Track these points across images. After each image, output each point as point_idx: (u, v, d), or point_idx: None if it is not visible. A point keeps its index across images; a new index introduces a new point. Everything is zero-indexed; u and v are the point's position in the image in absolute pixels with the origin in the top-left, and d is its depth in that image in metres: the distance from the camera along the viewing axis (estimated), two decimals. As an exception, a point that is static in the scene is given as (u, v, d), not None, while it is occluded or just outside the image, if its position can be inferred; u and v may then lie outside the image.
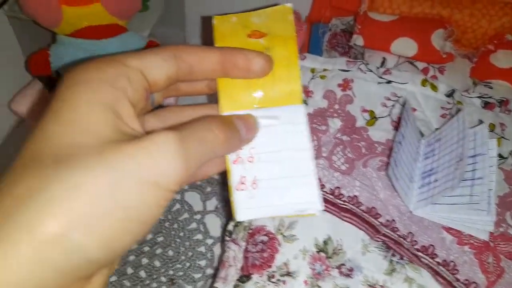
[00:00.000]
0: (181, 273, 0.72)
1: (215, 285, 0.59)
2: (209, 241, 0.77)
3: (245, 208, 0.26)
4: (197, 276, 0.73)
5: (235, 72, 0.25)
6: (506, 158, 0.73)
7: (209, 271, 0.74)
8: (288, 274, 0.55)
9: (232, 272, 0.58)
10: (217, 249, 0.76)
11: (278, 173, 0.26)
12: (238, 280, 0.57)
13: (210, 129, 0.22)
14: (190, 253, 0.75)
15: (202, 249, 0.75)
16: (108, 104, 0.20)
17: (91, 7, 0.68)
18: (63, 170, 0.17)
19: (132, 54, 0.23)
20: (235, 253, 0.59)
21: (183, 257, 0.74)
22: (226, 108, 0.26)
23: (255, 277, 0.56)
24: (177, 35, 1.13)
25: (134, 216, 0.19)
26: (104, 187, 0.18)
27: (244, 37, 0.27)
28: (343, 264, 0.56)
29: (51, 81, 0.76)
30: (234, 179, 0.26)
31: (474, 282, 0.57)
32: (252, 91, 0.26)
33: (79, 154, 0.18)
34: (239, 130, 0.25)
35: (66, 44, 0.71)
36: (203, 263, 0.75)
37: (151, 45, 0.75)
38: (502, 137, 0.75)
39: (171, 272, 0.72)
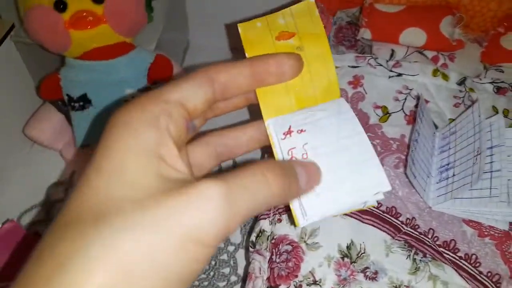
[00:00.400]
0: (206, 283, 0.74)
1: (244, 294, 0.61)
2: (231, 248, 0.79)
3: (312, 209, 0.24)
4: (221, 284, 0.75)
5: (269, 80, 0.25)
6: (522, 144, 0.73)
7: (233, 278, 0.76)
8: (315, 282, 0.57)
9: (259, 283, 0.59)
10: (239, 256, 0.78)
11: (339, 163, 0.25)
12: (267, 288, 0.59)
13: (263, 180, 0.21)
14: (213, 262, 0.76)
15: (225, 256, 0.77)
16: (150, 149, 0.20)
17: (99, 28, 0.68)
18: (102, 230, 0.17)
19: (170, 87, 0.22)
20: (260, 264, 0.61)
21: (206, 267, 0.76)
22: (269, 115, 0.26)
23: (282, 287, 0.57)
24: (181, 40, 1.13)
25: (174, 276, 0.18)
26: (144, 248, 0.17)
27: (273, 40, 0.27)
28: (367, 268, 0.57)
29: (64, 104, 0.77)
30: None
31: (497, 274, 0.58)
32: (291, 93, 0.26)
33: (119, 212, 0.18)
34: (299, 179, 0.24)
35: (76, 67, 0.72)
36: (226, 270, 0.77)
37: (158, 60, 0.76)
38: (517, 122, 0.75)
39: (196, 283, 0.74)
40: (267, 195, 0.21)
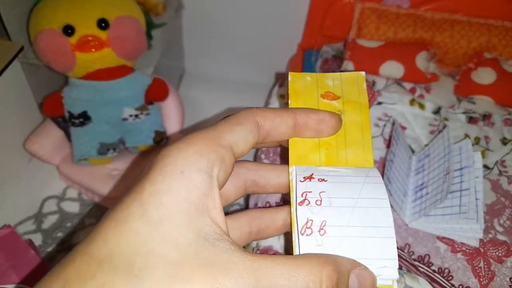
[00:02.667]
0: None
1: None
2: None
3: None
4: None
5: (306, 133, 0.26)
6: (491, 168, 0.78)
7: None
8: None
9: None
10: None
11: (351, 220, 0.23)
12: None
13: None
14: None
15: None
16: (199, 201, 0.20)
17: (102, 52, 0.74)
18: (129, 287, 0.18)
19: (225, 128, 0.23)
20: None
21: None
22: (296, 164, 0.26)
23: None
24: (177, 67, 1.20)
25: None
26: None
27: (317, 96, 0.27)
28: (346, 277, 0.61)
29: (64, 121, 0.81)
30: (299, 221, 0.23)
31: (468, 287, 0.62)
32: (322, 149, 0.26)
33: (151, 274, 0.18)
34: None
35: (79, 86, 0.77)
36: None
37: (156, 82, 0.81)
38: (487, 149, 0.81)
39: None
40: None
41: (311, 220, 0.23)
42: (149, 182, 0.20)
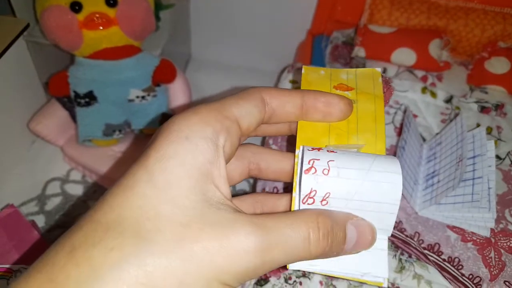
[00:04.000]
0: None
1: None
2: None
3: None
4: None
5: (314, 115, 0.25)
6: (503, 159, 0.77)
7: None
8: (304, 275, 0.58)
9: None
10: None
11: (356, 194, 0.22)
12: (256, 283, 0.60)
13: (305, 240, 0.20)
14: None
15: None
16: (204, 167, 0.20)
17: (110, 30, 0.72)
18: (140, 253, 0.18)
19: (231, 102, 0.22)
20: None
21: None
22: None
23: (272, 279, 0.59)
24: (184, 52, 1.18)
25: None
26: (174, 280, 0.18)
27: (330, 87, 0.27)
28: (355, 264, 0.60)
29: (69, 101, 0.80)
30: (303, 190, 0.23)
31: (478, 276, 0.61)
32: (332, 134, 0.25)
33: (159, 237, 0.18)
34: (347, 240, 0.22)
35: (85, 65, 0.75)
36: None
37: (164, 64, 0.80)
38: (499, 139, 0.79)
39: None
40: (303, 256, 0.20)
41: (315, 190, 0.22)
42: (154, 149, 0.20)
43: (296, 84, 0.83)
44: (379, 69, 0.27)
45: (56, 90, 0.78)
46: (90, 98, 0.76)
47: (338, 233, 0.21)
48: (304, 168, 0.23)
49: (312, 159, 0.23)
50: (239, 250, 0.18)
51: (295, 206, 0.24)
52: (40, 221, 0.82)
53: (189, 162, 0.20)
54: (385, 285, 0.22)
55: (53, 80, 0.78)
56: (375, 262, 0.23)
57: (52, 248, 0.19)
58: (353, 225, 0.22)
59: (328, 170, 0.23)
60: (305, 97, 0.24)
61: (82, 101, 0.76)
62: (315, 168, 0.23)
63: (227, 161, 0.22)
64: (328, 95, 0.25)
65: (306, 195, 0.22)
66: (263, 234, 0.19)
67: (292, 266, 0.22)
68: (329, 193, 0.22)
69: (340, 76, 0.27)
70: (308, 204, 0.22)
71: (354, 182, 0.23)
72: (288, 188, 0.72)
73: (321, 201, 0.22)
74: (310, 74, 0.27)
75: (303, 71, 0.27)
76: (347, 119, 0.26)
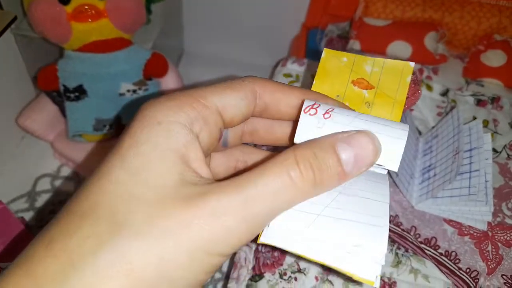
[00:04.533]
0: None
1: (229, 285, 0.61)
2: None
3: (279, 231, 0.20)
4: (207, 279, 0.75)
5: None
6: (499, 152, 0.76)
7: (217, 275, 0.76)
8: (299, 270, 0.57)
9: (244, 273, 0.60)
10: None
11: (359, 121, 0.21)
12: (250, 279, 0.59)
13: (288, 183, 0.18)
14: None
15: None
16: (178, 151, 0.19)
17: (99, 22, 0.71)
18: (116, 238, 0.17)
19: (212, 90, 0.21)
20: (246, 254, 0.62)
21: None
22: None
23: (267, 275, 0.58)
24: (176, 47, 1.16)
25: (181, 286, 0.18)
26: (153, 259, 0.17)
27: (347, 81, 0.24)
28: (351, 258, 0.59)
29: (59, 96, 0.78)
30: (304, 105, 0.22)
31: (475, 270, 0.60)
32: None
33: (134, 219, 0.17)
34: (343, 161, 0.20)
35: (74, 59, 0.74)
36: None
37: (155, 57, 0.78)
38: (495, 132, 0.79)
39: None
40: (292, 196, 0.19)
41: (318, 105, 0.21)
42: (128, 135, 0.20)
43: (290, 78, 0.82)
44: (412, 64, 0.23)
45: (45, 84, 0.76)
46: (79, 92, 0.74)
47: (326, 158, 0.19)
48: (304, 108, 0.21)
49: (313, 105, 0.22)
50: (214, 215, 0.17)
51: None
52: (30, 218, 0.81)
53: (162, 146, 0.19)
54: (377, 285, 0.19)
55: (41, 74, 0.76)
56: (372, 233, 0.19)
57: (31, 243, 0.18)
58: (345, 143, 0.20)
59: (330, 115, 0.21)
60: (304, 97, 0.22)
61: (72, 95, 0.74)
62: (318, 111, 0.21)
63: (206, 152, 0.21)
64: (327, 98, 0.23)
65: (309, 107, 0.21)
66: (237, 192, 0.18)
67: (263, 238, 0.19)
68: (333, 108, 0.21)
69: (363, 67, 0.24)
70: (310, 114, 0.21)
71: (356, 115, 0.21)
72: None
73: (324, 114, 0.21)
74: (330, 60, 0.25)
75: (323, 54, 0.24)
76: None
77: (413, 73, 0.24)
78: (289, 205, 0.19)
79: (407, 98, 0.23)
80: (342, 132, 0.20)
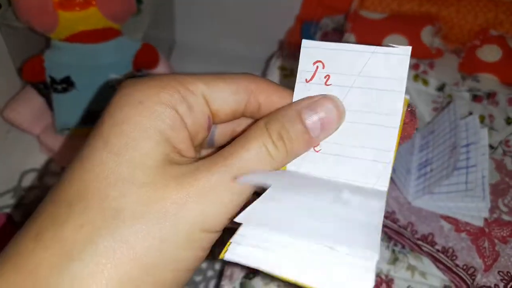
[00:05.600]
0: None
1: (222, 283, 0.59)
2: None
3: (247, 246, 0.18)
4: (198, 278, 0.74)
5: None
6: (495, 148, 0.75)
7: (210, 272, 0.75)
8: (295, 267, 0.56)
9: (237, 270, 0.59)
10: (217, 251, 0.77)
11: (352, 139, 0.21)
12: (244, 277, 0.58)
13: (265, 154, 0.19)
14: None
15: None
16: (163, 131, 0.18)
17: (87, 11, 0.68)
18: (110, 221, 0.17)
19: (200, 77, 0.21)
20: (240, 250, 0.60)
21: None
22: None
23: (261, 273, 0.56)
24: (167, 38, 1.13)
25: (183, 266, 0.18)
26: (151, 241, 0.17)
27: None
28: (347, 256, 0.57)
29: (46, 87, 0.75)
30: (295, 95, 0.22)
31: (472, 267, 0.59)
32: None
33: (126, 201, 0.17)
34: (309, 128, 0.20)
35: (61, 49, 0.71)
36: (204, 265, 0.75)
37: (145, 48, 0.76)
38: (491, 128, 0.78)
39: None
40: (270, 166, 0.19)
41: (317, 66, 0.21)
42: (108, 115, 0.19)
43: (285, 71, 0.80)
44: (408, 97, 0.22)
45: (30, 76, 0.73)
46: (67, 83, 0.71)
47: (294, 127, 0.20)
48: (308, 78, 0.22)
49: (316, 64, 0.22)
50: (208, 191, 0.18)
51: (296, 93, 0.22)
52: (17, 215, 0.78)
53: (145, 125, 0.18)
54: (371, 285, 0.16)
55: (27, 65, 0.73)
56: (375, 173, 0.20)
57: (17, 235, 0.18)
58: (310, 110, 0.20)
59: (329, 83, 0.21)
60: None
61: (59, 87, 0.71)
62: (317, 77, 0.21)
63: (195, 140, 0.21)
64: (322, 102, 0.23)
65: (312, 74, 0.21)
66: (224, 167, 0.18)
67: (228, 255, 0.17)
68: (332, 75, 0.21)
69: None
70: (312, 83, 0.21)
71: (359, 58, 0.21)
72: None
73: (325, 77, 0.21)
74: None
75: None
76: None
77: (409, 105, 0.22)
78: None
79: (406, 124, 0.22)
80: (308, 98, 0.21)
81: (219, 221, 0.18)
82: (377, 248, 0.16)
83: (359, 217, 0.18)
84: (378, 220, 0.18)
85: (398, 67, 0.21)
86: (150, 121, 0.18)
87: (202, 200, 0.18)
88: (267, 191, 0.19)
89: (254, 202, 0.18)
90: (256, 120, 0.22)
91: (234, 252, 0.18)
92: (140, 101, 0.19)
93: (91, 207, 0.17)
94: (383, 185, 0.21)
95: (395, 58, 0.21)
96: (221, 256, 0.18)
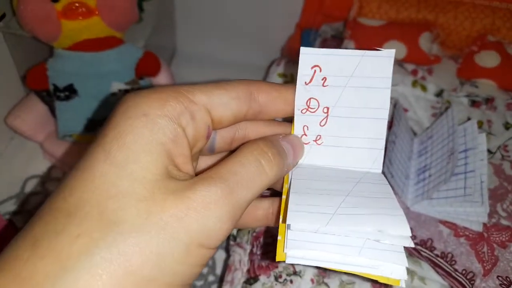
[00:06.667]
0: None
1: (223, 288, 0.60)
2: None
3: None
4: (199, 283, 0.74)
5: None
6: (494, 153, 0.76)
7: (211, 278, 0.75)
8: (295, 273, 0.56)
9: (238, 276, 0.59)
10: (218, 256, 0.77)
11: (347, 131, 0.25)
12: (245, 282, 0.58)
13: (260, 169, 0.21)
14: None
15: (205, 255, 0.76)
16: (164, 144, 0.19)
17: (90, 20, 0.69)
18: (108, 232, 0.17)
19: (200, 87, 0.21)
20: (240, 257, 0.61)
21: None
22: None
23: (262, 278, 0.57)
24: (168, 46, 1.15)
25: (179, 281, 0.18)
26: (148, 253, 0.17)
27: None
28: (347, 261, 0.58)
29: (49, 95, 0.76)
30: (296, 130, 0.25)
31: (471, 272, 0.60)
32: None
33: (125, 213, 0.17)
34: (287, 154, 0.23)
35: (64, 58, 0.72)
36: (204, 270, 0.75)
37: (147, 56, 0.77)
38: (490, 133, 0.78)
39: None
40: (264, 181, 0.21)
41: (306, 126, 0.25)
42: (111, 126, 0.19)
43: (285, 78, 0.81)
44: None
45: (34, 83, 0.74)
46: (70, 91, 0.72)
47: (281, 149, 0.23)
48: (300, 109, 0.25)
49: (309, 99, 0.25)
50: (206, 206, 0.18)
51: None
52: (19, 221, 0.79)
53: (147, 138, 0.19)
54: (403, 284, 0.20)
55: (31, 73, 0.74)
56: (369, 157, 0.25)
57: (13, 242, 0.18)
58: (284, 140, 0.24)
59: (326, 121, 0.25)
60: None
61: (62, 94, 0.72)
62: (307, 108, 0.25)
63: (194, 149, 0.21)
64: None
65: (303, 134, 0.25)
66: (221, 182, 0.19)
67: (290, 259, 0.20)
68: (324, 130, 0.25)
69: None
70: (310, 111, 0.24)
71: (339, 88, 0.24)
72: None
73: (316, 140, 0.25)
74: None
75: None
76: None
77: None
78: (261, 189, 0.21)
79: None
80: (279, 134, 0.25)
81: (217, 237, 0.18)
82: (407, 229, 0.20)
83: (377, 195, 0.23)
84: (390, 192, 0.23)
85: (384, 68, 0.24)
86: (152, 134, 0.19)
87: (201, 214, 0.18)
88: (293, 188, 0.23)
89: (290, 205, 0.21)
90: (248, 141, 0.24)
91: (292, 255, 0.20)
92: (145, 113, 0.19)
93: (90, 218, 0.17)
94: (378, 167, 0.25)
95: (381, 60, 0.24)
96: (277, 259, 0.20)
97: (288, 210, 0.21)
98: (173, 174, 0.19)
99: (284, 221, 0.21)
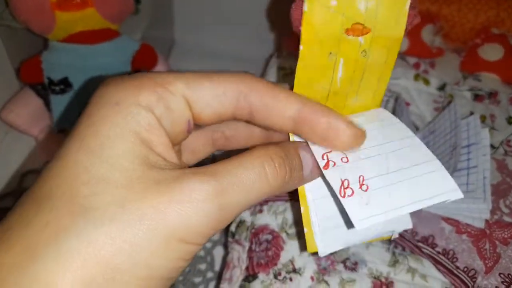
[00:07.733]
0: (180, 278, 0.72)
1: (221, 285, 0.59)
2: (208, 245, 0.77)
3: (361, 219, 0.19)
4: (197, 280, 0.73)
5: (309, 135, 0.22)
6: (497, 148, 0.75)
7: (210, 274, 0.75)
8: (294, 271, 0.56)
9: (237, 273, 0.58)
10: (216, 252, 0.76)
11: (390, 167, 0.21)
12: (244, 280, 0.57)
13: (261, 175, 0.19)
14: (190, 257, 0.75)
15: (202, 252, 0.76)
16: (138, 132, 0.18)
17: (85, 11, 0.67)
18: (78, 220, 0.16)
19: (181, 76, 0.20)
20: (239, 254, 0.60)
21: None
22: None
23: (261, 275, 0.56)
24: (166, 38, 1.13)
25: (157, 274, 0.17)
26: (120, 244, 0.16)
27: (340, 33, 0.22)
28: (347, 258, 0.57)
29: (44, 89, 0.75)
30: (333, 186, 0.21)
31: (473, 269, 0.59)
32: (329, 100, 0.23)
33: (97, 200, 0.16)
34: (304, 166, 0.21)
35: (59, 50, 0.71)
36: (203, 266, 0.75)
37: (144, 48, 0.75)
38: (493, 128, 0.77)
39: (172, 277, 0.72)
40: (264, 190, 0.19)
41: (346, 179, 0.20)
42: (85, 115, 0.19)
43: (284, 71, 0.80)
44: None
45: (28, 77, 0.73)
46: (65, 84, 0.71)
47: (294, 160, 0.20)
48: (321, 165, 0.21)
49: (324, 154, 0.21)
50: (191, 201, 0.17)
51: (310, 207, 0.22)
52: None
53: (122, 126, 0.18)
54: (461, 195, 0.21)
55: (25, 66, 0.73)
56: (441, 184, 0.21)
57: None
58: (304, 150, 0.21)
59: (347, 158, 0.21)
60: (302, 109, 0.20)
61: (57, 88, 0.71)
62: (332, 162, 0.21)
63: (174, 141, 0.20)
64: (332, 115, 0.21)
65: (340, 187, 0.20)
66: (214, 179, 0.18)
67: (323, 251, 0.20)
68: (362, 176, 0.21)
69: (357, 7, 0.21)
70: (349, 196, 0.20)
71: (379, 158, 0.21)
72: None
73: (360, 187, 0.20)
74: (317, 12, 0.21)
75: (305, 8, 0.21)
76: (350, 78, 0.23)
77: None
78: (259, 198, 0.19)
79: (409, 25, 0.23)
80: (300, 141, 0.22)
81: (201, 234, 0.18)
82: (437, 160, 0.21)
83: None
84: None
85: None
86: (126, 123, 0.18)
87: (185, 209, 0.17)
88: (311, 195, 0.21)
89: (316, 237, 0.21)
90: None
91: (324, 248, 0.20)
92: (117, 102, 0.18)
93: (59, 205, 0.16)
94: (454, 188, 0.21)
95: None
96: (309, 251, 0.21)
97: (316, 241, 0.20)
98: (155, 163, 0.18)
99: (307, 211, 0.21)
